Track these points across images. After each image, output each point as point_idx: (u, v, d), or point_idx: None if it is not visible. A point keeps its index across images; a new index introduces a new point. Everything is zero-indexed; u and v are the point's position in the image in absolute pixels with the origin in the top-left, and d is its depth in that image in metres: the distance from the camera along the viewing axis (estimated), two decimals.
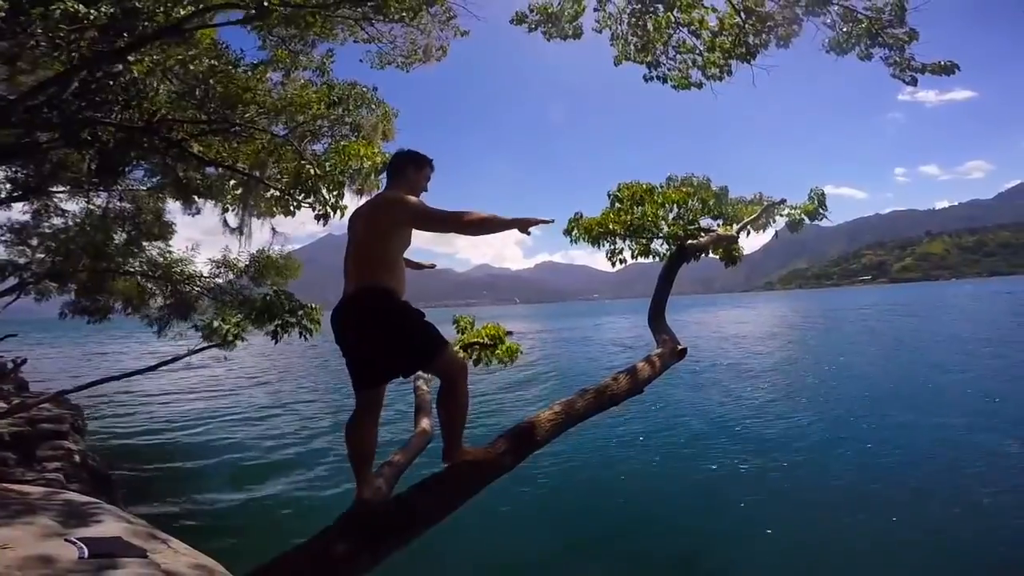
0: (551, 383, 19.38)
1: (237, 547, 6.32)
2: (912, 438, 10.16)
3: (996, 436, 9.95)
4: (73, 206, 9.00)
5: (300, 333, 6.43)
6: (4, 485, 4.67)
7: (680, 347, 3.32)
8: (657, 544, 6.63)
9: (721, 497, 7.85)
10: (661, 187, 5.28)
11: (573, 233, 4.69)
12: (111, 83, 5.24)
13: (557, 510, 7.79)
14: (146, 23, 4.82)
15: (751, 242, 5.47)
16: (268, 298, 6.59)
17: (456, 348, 4.47)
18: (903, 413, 12.00)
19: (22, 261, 9.23)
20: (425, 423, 2.76)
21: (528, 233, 2.08)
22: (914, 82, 4.74)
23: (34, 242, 9.24)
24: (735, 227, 4.98)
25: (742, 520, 7.10)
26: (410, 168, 2.29)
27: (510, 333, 4.96)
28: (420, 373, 3.18)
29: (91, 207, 8.93)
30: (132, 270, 8.87)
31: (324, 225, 6.09)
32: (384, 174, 2.41)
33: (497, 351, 4.78)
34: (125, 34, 4.78)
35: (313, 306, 6.48)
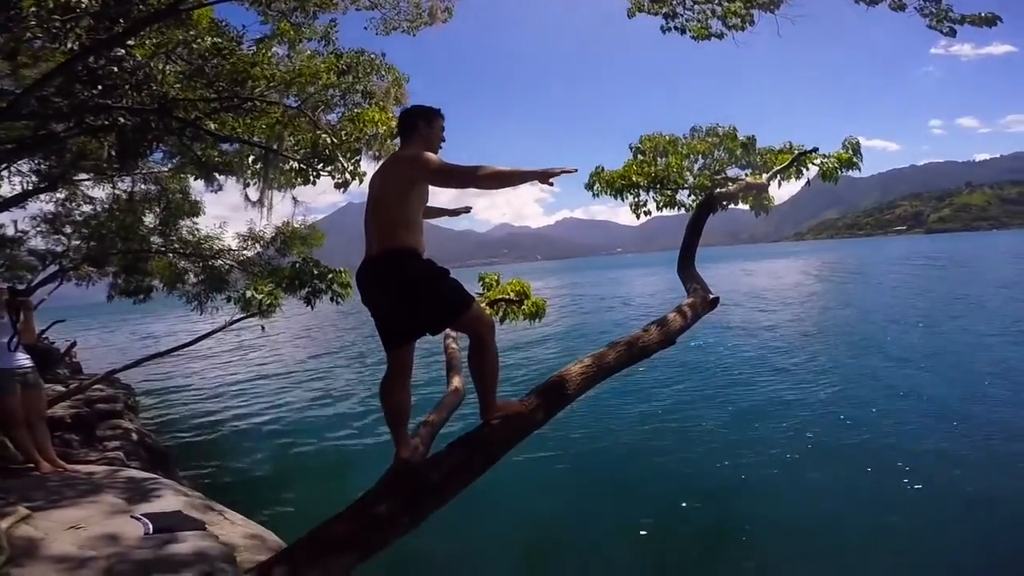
0: (579, 337, 19.35)
1: (286, 514, 6.64)
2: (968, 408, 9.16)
3: None
4: (99, 192, 9.24)
5: (331, 298, 6.57)
6: (72, 466, 4.93)
7: (712, 296, 3.23)
8: (687, 507, 6.59)
9: (759, 460, 7.71)
10: (685, 138, 5.09)
11: (595, 187, 4.57)
12: (116, 68, 5.24)
13: (588, 468, 7.88)
14: (140, 6, 4.77)
15: (780, 192, 5.28)
16: (296, 266, 6.72)
17: (482, 305, 4.46)
18: (960, 380, 11.02)
19: (59, 249, 9.57)
20: (457, 381, 2.77)
21: (551, 184, 2.00)
22: (952, 33, 4.45)
23: (68, 230, 9.56)
24: (765, 176, 4.78)
25: (778, 484, 7.02)
26: (420, 123, 2.22)
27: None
28: (449, 332, 3.20)
29: (117, 192, 9.14)
30: (164, 249, 9.14)
31: (344, 192, 6.12)
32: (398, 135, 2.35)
33: (523, 307, 4.76)
34: (121, 19, 4.75)
35: (341, 271, 6.60)
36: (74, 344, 10.66)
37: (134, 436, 8.53)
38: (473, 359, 2.10)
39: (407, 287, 1.98)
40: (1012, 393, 9.63)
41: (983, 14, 4.22)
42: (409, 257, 2.01)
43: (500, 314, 4.74)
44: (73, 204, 9.29)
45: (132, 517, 3.47)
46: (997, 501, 6.15)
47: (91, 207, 9.32)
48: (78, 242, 9.54)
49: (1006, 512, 5.92)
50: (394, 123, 5.94)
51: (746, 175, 5.07)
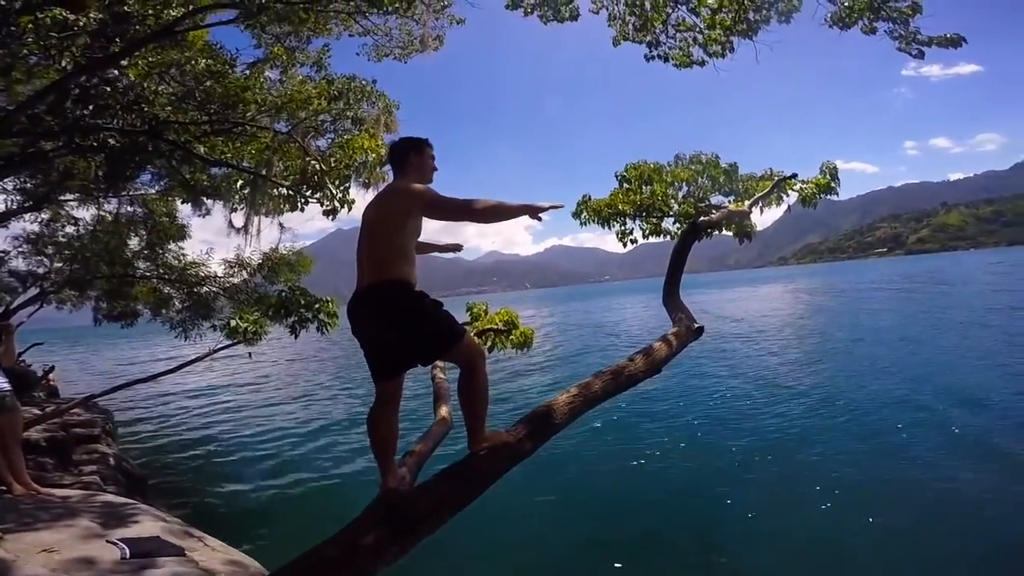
0: (566, 366, 19.37)
1: (268, 542, 6.46)
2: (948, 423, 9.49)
3: None
4: (84, 213, 9.15)
5: (318, 327, 6.48)
6: (46, 490, 4.81)
7: (696, 325, 3.29)
8: (676, 533, 6.56)
9: (743, 482, 7.75)
10: (669, 166, 5.23)
11: (582, 215, 4.66)
12: (109, 88, 5.27)
13: (575, 496, 7.82)
14: (137, 27, 4.83)
15: (763, 218, 5.43)
16: (283, 294, 6.65)
17: (471, 335, 4.49)
18: (943, 394, 11.33)
19: (41, 271, 9.42)
20: (444, 411, 2.77)
21: (540, 219, 2.08)
22: (921, 55, 4.69)
23: (50, 251, 9.42)
24: (747, 203, 4.92)
25: (763, 507, 7.04)
26: (411, 155, 2.27)
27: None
28: (438, 363, 3.22)
29: (102, 213, 9.06)
30: (148, 274, 9.03)
31: (332, 220, 6.12)
32: (389, 166, 2.41)
33: (511, 336, 4.80)
34: (117, 39, 4.80)
35: (328, 300, 6.53)
36: (52, 368, 10.44)
37: (111, 461, 8.32)
38: (463, 389, 2.11)
39: (399, 319, 2.00)
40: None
41: (948, 35, 4.42)
42: (401, 289, 2.03)
43: (488, 344, 4.77)
44: (57, 224, 9.18)
45: (109, 542, 3.40)
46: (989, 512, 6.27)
47: (75, 228, 9.21)
48: (60, 264, 9.40)
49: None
50: (383, 151, 6.02)
51: (729, 202, 5.20)
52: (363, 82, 6.66)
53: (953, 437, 8.74)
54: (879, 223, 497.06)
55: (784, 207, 5.22)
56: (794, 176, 5.00)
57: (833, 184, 4.91)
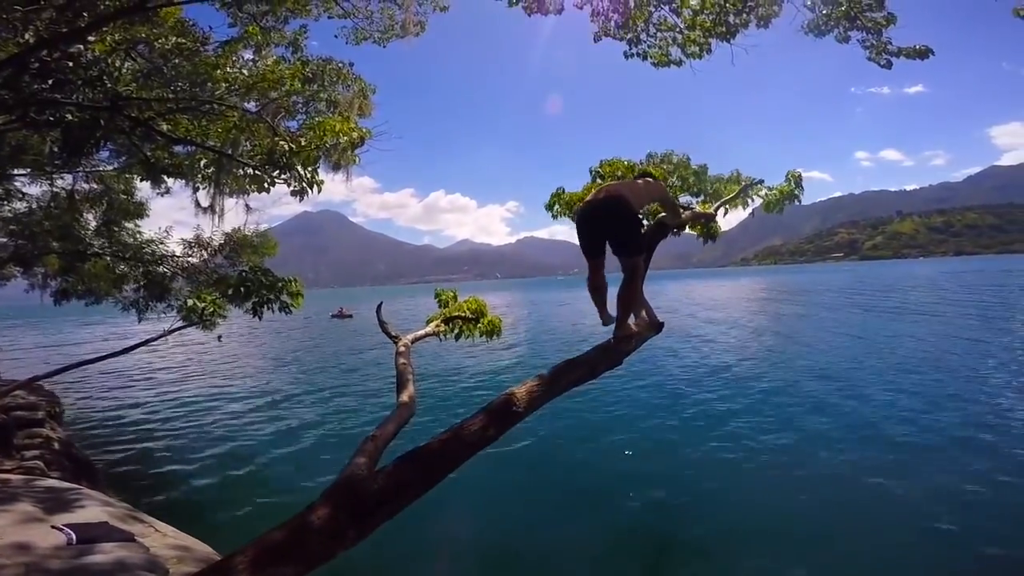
0: (531, 355, 19.62)
1: (222, 527, 6.33)
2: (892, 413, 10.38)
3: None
4: (35, 189, 8.69)
5: (281, 308, 6.25)
6: None
7: (657, 321, 3.38)
8: (635, 522, 6.75)
9: (698, 472, 8.03)
10: (642, 164, 5.31)
11: (555, 208, 4.70)
12: (71, 63, 5.03)
13: (536, 484, 7.93)
14: (107, 1, 4.62)
15: (728, 219, 5.62)
16: (243, 274, 6.40)
17: (437, 322, 4.52)
18: (887, 386, 12.38)
19: None
20: (406, 396, 2.75)
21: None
22: (889, 65, 4.82)
23: None
24: (713, 205, 5.05)
25: (728, 492, 7.30)
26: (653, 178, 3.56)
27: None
28: (402, 348, 3.27)
29: (55, 190, 8.63)
30: (101, 252, 8.64)
31: (300, 201, 5.95)
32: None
33: (479, 325, 4.82)
34: (84, 13, 4.59)
35: (292, 279, 6.30)
36: None
37: (56, 445, 7.99)
38: (623, 289, 2.96)
39: (627, 220, 2.90)
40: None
41: (917, 47, 4.58)
42: (636, 212, 2.99)
43: (456, 331, 4.77)
44: (5, 200, 8.68)
45: (54, 527, 3.28)
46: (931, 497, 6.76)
47: (25, 204, 8.73)
48: (5, 239, 8.91)
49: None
50: (356, 134, 6.00)
51: (697, 203, 5.33)
52: (339, 64, 6.52)
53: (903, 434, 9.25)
54: (838, 228, 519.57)
55: (749, 210, 5.38)
56: (761, 182, 5.15)
57: (796, 192, 5.09)
